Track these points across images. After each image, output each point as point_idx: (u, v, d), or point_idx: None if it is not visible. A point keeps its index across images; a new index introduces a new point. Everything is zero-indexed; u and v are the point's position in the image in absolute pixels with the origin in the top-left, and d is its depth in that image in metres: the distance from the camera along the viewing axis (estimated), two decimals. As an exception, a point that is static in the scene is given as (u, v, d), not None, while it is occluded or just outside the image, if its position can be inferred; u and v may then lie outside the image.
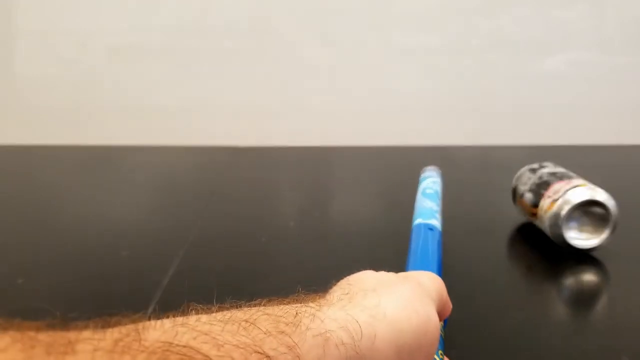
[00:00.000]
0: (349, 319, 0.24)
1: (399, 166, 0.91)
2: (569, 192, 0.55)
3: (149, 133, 1.08)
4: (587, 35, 1.08)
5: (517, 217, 0.66)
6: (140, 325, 0.20)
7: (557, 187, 0.57)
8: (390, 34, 1.09)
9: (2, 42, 1.10)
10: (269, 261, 0.57)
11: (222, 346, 0.20)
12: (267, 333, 0.21)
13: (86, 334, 0.18)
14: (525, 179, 0.63)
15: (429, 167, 0.69)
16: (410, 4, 1.07)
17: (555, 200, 0.56)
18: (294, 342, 0.22)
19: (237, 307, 0.24)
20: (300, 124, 1.11)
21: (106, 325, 0.19)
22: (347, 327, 0.24)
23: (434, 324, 0.28)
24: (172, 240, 0.61)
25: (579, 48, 1.09)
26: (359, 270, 0.32)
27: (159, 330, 0.20)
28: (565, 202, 0.55)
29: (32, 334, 0.17)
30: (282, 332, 0.22)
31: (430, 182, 0.63)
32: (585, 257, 0.56)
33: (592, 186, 0.56)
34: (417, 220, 0.52)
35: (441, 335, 0.32)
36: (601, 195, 0.55)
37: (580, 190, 0.55)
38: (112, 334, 0.18)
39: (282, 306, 0.24)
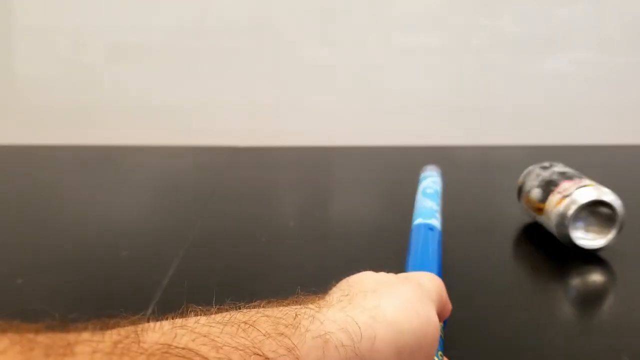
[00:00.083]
0: (348, 320, 0.24)
1: (399, 166, 0.91)
2: (577, 191, 0.55)
3: (149, 133, 1.08)
4: (587, 35, 1.08)
5: (518, 217, 0.66)
6: (139, 327, 0.20)
7: (568, 185, 0.57)
8: (390, 34, 1.09)
9: (2, 42, 1.10)
10: (269, 261, 0.57)
11: (221, 348, 0.20)
12: (267, 335, 0.21)
13: (85, 335, 0.18)
14: (534, 176, 0.63)
15: (429, 167, 0.69)
16: (410, 3, 1.07)
17: (565, 197, 0.55)
18: (293, 344, 0.22)
19: (236, 309, 0.24)
20: (300, 124, 1.11)
21: (105, 327, 0.19)
22: (347, 329, 0.24)
23: (434, 325, 0.28)
24: (172, 240, 0.61)
25: (579, 48, 1.09)
26: (359, 270, 0.32)
27: (158, 332, 0.20)
28: (573, 202, 0.55)
29: (31, 335, 0.17)
30: (282, 333, 0.22)
31: (431, 181, 0.63)
32: (591, 257, 0.56)
33: (599, 186, 0.56)
34: (417, 220, 0.52)
35: (441, 336, 0.32)
36: (608, 195, 0.55)
37: (588, 190, 0.55)
38: (111, 336, 0.18)
39: (281, 308, 0.24)
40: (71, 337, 0.18)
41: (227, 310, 0.23)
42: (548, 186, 0.59)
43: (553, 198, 0.57)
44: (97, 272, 0.55)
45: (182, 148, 1.03)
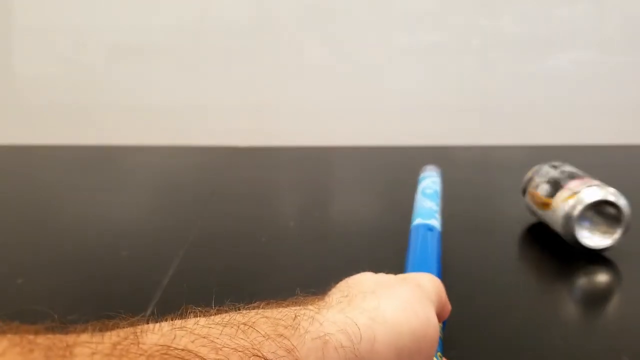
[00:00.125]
0: (348, 321, 0.24)
1: (399, 166, 0.91)
2: (583, 190, 0.55)
3: (149, 133, 1.08)
4: (587, 35, 1.08)
5: (519, 217, 0.66)
6: (138, 328, 0.20)
7: (578, 182, 0.57)
8: (390, 34, 1.09)
9: (2, 42, 1.10)
10: (269, 261, 0.57)
11: (221, 349, 0.20)
12: (266, 336, 0.21)
13: (84, 337, 0.18)
14: (544, 172, 0.63)
15: (429, 167, 0.69)
16: (410, 3, 1.07)
17: (575, 193, 0.56)
18: (292, 345, 0.22)
19: (235, 310, 0.24)
20: (300, 124, 1.11)
21: (104, 329, 0.19)
22: (346, 330, 0.24)
23: (434, 326, 0.28)
24: (172, 240, 0.61)
25: (579, 48, 1.09)
26: (358, 270, 0.32)
27: (157, 334, 0.20)
28: (579, 201, 0.55)
29: (30, 337, 0.17)
30: (281, 335, 0.22)
31: (430, 181, 0.63)
32: (596, 257, 0.56)
33: (605, 186, 0.56)
34: (417, 220, 0.52)
35: (440, 337, 0.32)
36: (614, 195, 0.55)
37: (594, 190, 0.55)
38: (111, 338, 0.18)
39: (280, 309, 0.24)
40: (70, 338, 0.18)
41: (226, 312, 0.23)
42: (557, 182, 0.59)
43: (562, 194, 0.57)
44: (97, 272, 0.55)
45: (182, 148, 1.03)
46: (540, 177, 0.63)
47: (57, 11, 1.07)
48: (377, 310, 0.26)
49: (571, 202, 0.55)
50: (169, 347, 0.19)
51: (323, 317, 0.24)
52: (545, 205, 0.59)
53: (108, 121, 1.12)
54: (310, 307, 0.25)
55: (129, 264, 0.56)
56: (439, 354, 0.31)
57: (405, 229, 0.52)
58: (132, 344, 0.18)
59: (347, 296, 0.27)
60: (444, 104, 1.10)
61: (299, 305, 0.25)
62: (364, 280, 0.30)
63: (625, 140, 1.03)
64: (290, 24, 1.09)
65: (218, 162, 0.97)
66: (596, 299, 0.51)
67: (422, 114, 1.10)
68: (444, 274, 0.42)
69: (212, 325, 0.21)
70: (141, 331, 0.19)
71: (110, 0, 1.07)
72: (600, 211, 0.56)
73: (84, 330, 0.19)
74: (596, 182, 0.57)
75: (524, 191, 0.65)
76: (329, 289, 0.30)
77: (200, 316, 0.22)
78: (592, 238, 0.56)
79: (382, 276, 0.31)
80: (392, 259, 0.53)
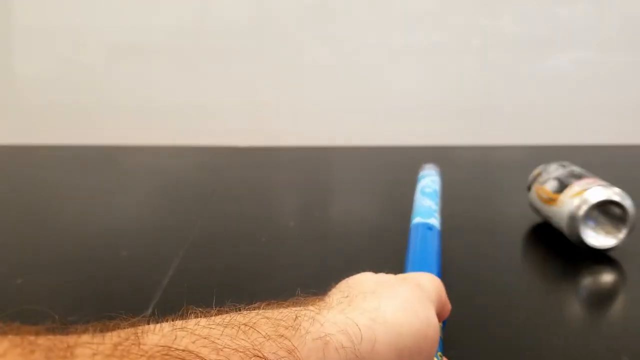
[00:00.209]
0: (348, 322, 0.24)
1: (399, 166, 0.91)
2: (588, 190, 0.55)
3: (149, 133, 1.08)
4: (587, 35, 1.08)
5: (519, 217, 0.66)
6: (139, 329, 0.20)
7: (588, 181, 0.58)
8: (390, 34, 1.09)
9: (2, 42, 1.10)
10: (269, 261, 0.57)
11: (222, 350, 0.20)
12: (267, 337, 0.21)
13: (85, 338, 0.18)
14: (553, 169, 0.63)
15: (428, 165, 0.69)
16: (410, 3, 1.07)
17: (585, 190, 0.56)
18: (293, 345, 0.22)
19: (236, 311, 0.24)
20: (300, 124, 1.11)
21: (105, 329, 0.19)
22: (347, 331, 0.24)
23: (434, 326, 0.28)
24: (172, 240, 0.61)
25: (579, 48, 1.09)
26: (358, 270, 0.32)
27: (158, 334, 0.20)
28: (584, 202, 0.55)
29: (31, 338, 0.17)
30: (282, 335, 0.22)
31: (429, 180, 0.63)
32: (601, 257, 0.56)
33: (610, 186, 0.56)
34: (416, 220, 0.52)
35: (440, 337, 0.32)
36: (620, 195, 0.55)
37: (599, 190, 0.55)
38: (111, 338, 0.18)
39: (281, 309, 0.24)
40: (71, 339, 0.18)
41: (227, 312, 0.23)
42: (567, 179, 0.59)
43: (571, 190, 0.57)
44: (97, 272, 0.55)
45: (182, 148, 1.03)
46: (549, 174, 0.63)
47: (57, 11, 1.07)
48: (377, 310, 0.26)
49: (577, 201, 0.55)
50: (170, 347, 0.19)
51: (324, 317, 0.24)
52: (552, 201, 0.59)
53: (108, 121, 1.12)
54: (310, 307, 0.25)
55: (129, 264, 0.56)
56: (439, 353, 0.31)
57: (405, 229, 0.52)
58: (133, 344, 0.18)
59: (347, 296, 0.27)
60: (444, 104, 1.10)
61: (300, 306, 0.25)
62: (364, 281, 0.30)
63: (625, 140, 1.03)
64: (290, 24, 1.09)
65: (218, 162, 0.97)
66: (600, 299, 0.51)
67: (422, 114, 1.10)
68: (444, 274, 0.42)
69: (213, 326, 0.21)
70: (142, 332, 0.19)
71: (110, 0, 1.07)
72: (606, 211, 0.56)
73: (84, 331, 0.19)
74: (602, 182, 0.57)
75: (529, 187, 0.65)
76: (329, 289, 0.30)
77: (201, 317, 0.22)
78: (597, 238, 0.56)
79: (382, 276, 0.31)
80: (392, 258, 0.53)
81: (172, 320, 0.21)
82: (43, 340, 0.17)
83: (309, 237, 0.64)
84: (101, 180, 0.86)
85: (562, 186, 0.59)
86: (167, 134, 1.08)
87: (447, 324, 0.36)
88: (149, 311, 0.46)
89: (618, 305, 0.51)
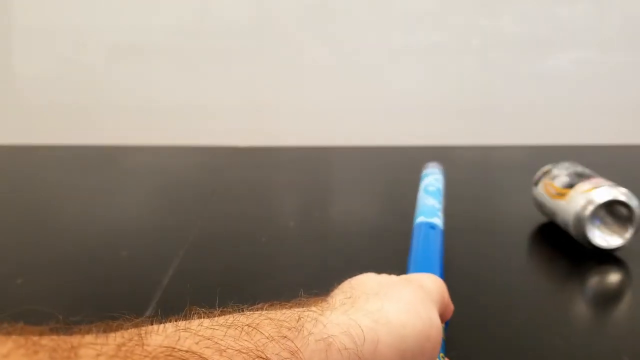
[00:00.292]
0: (351, 323, 0.24)
1: (399, 166, 0.91)
2: (595, 190, 0.55)
3: (149, 133, 1.08)
4: (587, 35, 1.08)
5: (521, 217, 0.66)
6: (142, 329, 0.20)
7: (598, 180, 0.58)
8: (390, 34, 1.09)
9: (2, 42, 1.09)
10: (269, 261, 0.57)
11: (225, 351, 0.20)
12: (270, 338, 0.21)
13: (89, 338, 0.18)
14: (564, 167, 0.63)
15: (431, 164, 0.68)
16: (410, 3, 1.07)
17: (596, 187, 0.56)
18: (296, 347, 0.22)
19: (239, 311, 0.24)
20: (300, 124, 1.11)
21: (108, 330, 0.19)
22: (350, 332, 0.24)
23: (437, 327, 0.28)
24: (172, 240, 0.61)
25: (579, 48, 1.09)
26: (359, 270, 0.32)
27: (162, 335, 0.20)
28: (590, 201, 0.55)
29: (35, 338, 0.17)
30: (285, 336, 0.22)
31: (433, 179, 0.63)
32: (607, 257, 0.56)
33: (617, 186, 0.56)
34: (419, 219, 0.52)
35: (443, 338, 0.32)
36: (626, 195, 0.55)
37: (606, 190, 0.55)
38: (115, 339, 0.18)
39: (284, 310, 0.24)
40: (75, 340, 0.18)
41: (230, 313, 0.23)
42: (579, 176, 0.60)
43: (582, 186, 0.57)
44: (97, 272, 0.55)
45: (182, 148, 1.03)
46: (561, 170, 0.63)
47: (57, 11, 1.07)
48: (380, 312, 0.26)
49: (583, 201, 0.55)
50: (174, 348, 0.19)
51: (326, 319, 0.24)
52: (561, 196, 0.59)
53: (108, 121, 1.12)
54: (313, 308, 0.25)
55: (129, 264, 0.56)
56: (441, 354, 0.31)
57: (406, 229, 0.52)
58: (136, 345, 0.18)
59: (350, 298, 0.27)
60: (444, 104, 1.10)
61: (302, 307, 0.25)
62: (367, 281, 0.30)
63: (625, 140, 1.03)
64: (290, 24, 1.09)
65: (218, 162, 0.97)
66: (605, 299, 0.51)
67: (422, 114, 1.10)
68: (446, 274, 0.42)
69: (216, 327, 0.21)
70: (145, 332, 0.19)
71: (110, 0, 1.07)
72: (612, 211, 0.56)
73: (88, 332, 0.19)
74: (609, 182, 0.57)
75: (536, 182, 0.65)
76: (331, 290, 0.30)
77: (204, 317, 0.22)
78: (604, 238, 0.56)
79: (385, 277, 0.31)
80: (392, 259, 0.53)
81: (176, 321, 0.21)
82: (47, 341, 0.17)
83: (309, 237, 0.64)
84: (101, 180, 0.86)
85: (574, 182, 0.59)
86: (167, 134, 1.08)
87: (450, 324, 0.36)
88: (149, 311, 0.46)
89: (624, 306, 0.50)
